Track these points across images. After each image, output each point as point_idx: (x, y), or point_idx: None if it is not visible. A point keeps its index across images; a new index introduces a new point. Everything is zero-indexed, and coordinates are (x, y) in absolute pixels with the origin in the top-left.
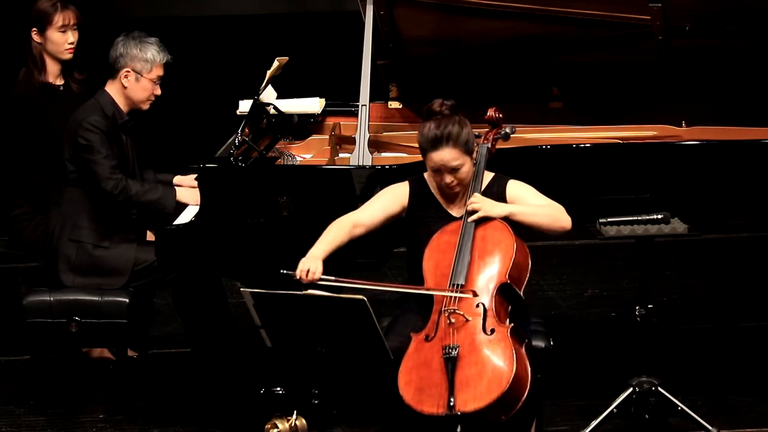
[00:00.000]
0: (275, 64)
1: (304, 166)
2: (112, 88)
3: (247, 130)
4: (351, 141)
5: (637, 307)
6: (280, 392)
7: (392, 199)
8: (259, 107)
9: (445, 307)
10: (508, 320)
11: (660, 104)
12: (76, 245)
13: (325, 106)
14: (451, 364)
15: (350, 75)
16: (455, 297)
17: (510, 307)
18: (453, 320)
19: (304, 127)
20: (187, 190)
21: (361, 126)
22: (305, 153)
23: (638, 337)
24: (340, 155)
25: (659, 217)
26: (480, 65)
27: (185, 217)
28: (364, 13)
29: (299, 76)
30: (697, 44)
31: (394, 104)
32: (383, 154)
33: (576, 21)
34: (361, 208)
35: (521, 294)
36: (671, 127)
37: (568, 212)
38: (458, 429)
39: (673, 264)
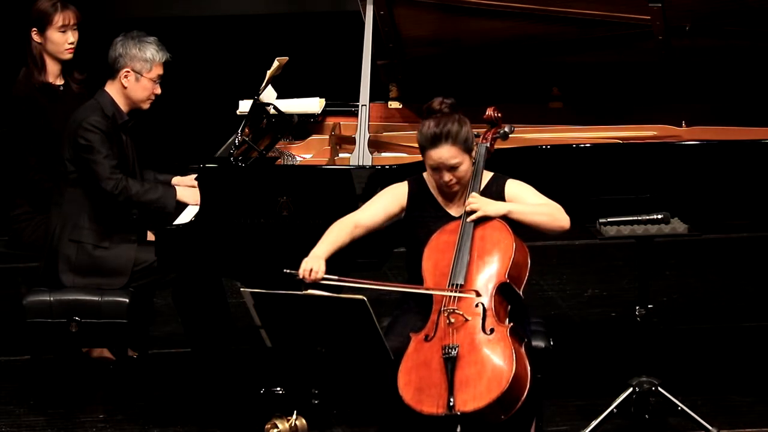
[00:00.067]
0: (275, 64)
1: (304, 166)
2: (111, 88)
3: (247, 130)
4: (351, 141)
5: (637, 307)
6: (280, 392)
7: (392, 199)
8: (259, 107)
9: (444, 306)
10: (507, 320)
11: (660, 104)
12: (77, 245)
13: (325, 106)
14: (450, 364)
15: (350, 75)
16: (454, 297)
17: (509, 306)
18: (452, 320)
19: (304, 127)
20: (188, 189)
21: (361, 126)
22: (305, 153)
23: (638, 337)
24: (340, 155)
25: (659, 217)
26: (480, 65)
27: (185, 217)
28: (364, 13)
29: (299, 76)
30: (697, 44)
31: (394, 104)
32: (383, 154)
33: (576, 21)
34: (361, 209)
35: (521, 294)
36: (671, 127)
37: (568, 212)
38: (458, 429)
39: (673, 264)
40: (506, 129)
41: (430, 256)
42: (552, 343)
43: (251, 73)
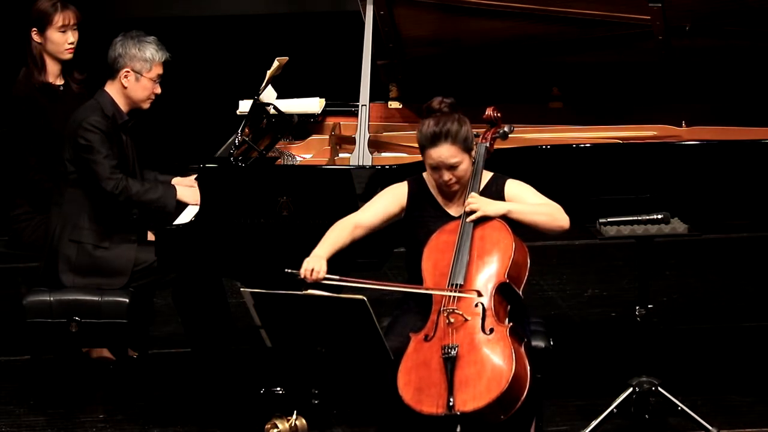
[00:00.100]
0: (275, 64)
1: (304, 166)
2: (111, 89)
3: (247, 130)
4: (351, 141)
5: (637, 307)
6: (280, 392)
7: (392, 199)
8: (259, 107)
9: (444, 306)
10: (507, 320)
11: (660, 104)
12: (77, 245)
13: (325, 106)
14: (450, 363)
15: (350, 75)
16: (454, 297)
17: (509, 306)
18: (452, 320)
19: (304, 127)
20: (188, 188)
21: (361, 126)
22: (305, 153)
23: (638, 337)
24: (340, 155)
25: (659, 217)
26: (480, 65)
27: (185, 217)
28: (364, 13)
29: (299, 76)
30: (697, 44)
31: (394, 104)
32: (383, 154)
33: (576, 21)
34: (361, 210)
35: (520, 293)
36: (671, 127)
37: (568, 212)
38: (458, 429)
39: (673, 264)
40: (506, 129)
41: (429, 256)
42: (552, 343)
43: (251, 73)
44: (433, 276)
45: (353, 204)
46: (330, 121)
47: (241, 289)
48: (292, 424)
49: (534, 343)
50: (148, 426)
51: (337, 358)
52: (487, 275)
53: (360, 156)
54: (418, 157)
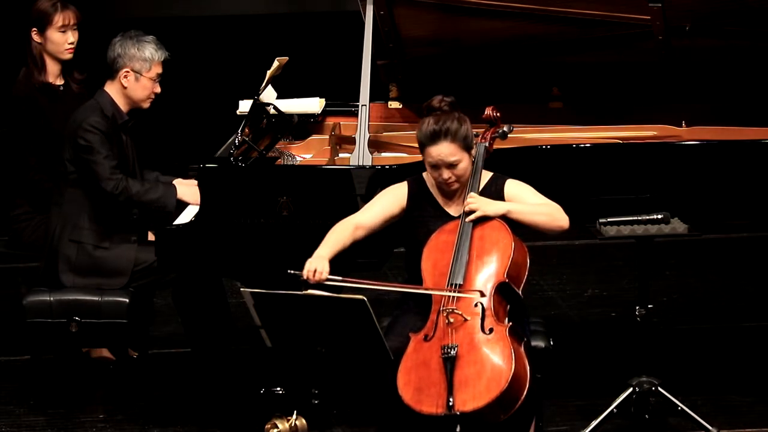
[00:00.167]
0: (275, 64)
1: (304, 166)
2: (111, 89)
3: (247, 130)
4: (351, 141)
5: (637, 307)
6: (280, 392)
7: (392, 200)
8: (259, 107)
9: (443, 306)
10: (506, 319)
11: (660, 104)
12: (77, 246)
13: (325, 106)
14: (449, 363)
15: (350, 75)
16: (454, 297)
17: (508, 306)
18: (451, 320)
19: (304, 127)
20: (188, 188)
21: (361, 126)
22: (305, 153)
23: (638, 337)
24: (340, 155)
25: (659, 217)
26: (480, 65)
27: (185, 217)
28: (364, 13)
29: (299, 76)
30: (697, 44)
31: (394, 104)
32: (383, 154)
33: (576, 21)
34: (361, 210)
35: (520, 293)
36: (671, 127)
37: (568, 212)
38: (457, 429)
39: (673, 264)
40: (505, 128)
41: (429, 255)
42: (552, 343)
43: (251, 73)
44: (433, 276)
45: (353, 204)
46: (330, 121)
47: (241, 289)
48: (292, 424)
49: (534, 342)
50: (148, 426)
51: (337, 358)
52: (487, 275)
53: (360, 156)
54: (418, 157)
